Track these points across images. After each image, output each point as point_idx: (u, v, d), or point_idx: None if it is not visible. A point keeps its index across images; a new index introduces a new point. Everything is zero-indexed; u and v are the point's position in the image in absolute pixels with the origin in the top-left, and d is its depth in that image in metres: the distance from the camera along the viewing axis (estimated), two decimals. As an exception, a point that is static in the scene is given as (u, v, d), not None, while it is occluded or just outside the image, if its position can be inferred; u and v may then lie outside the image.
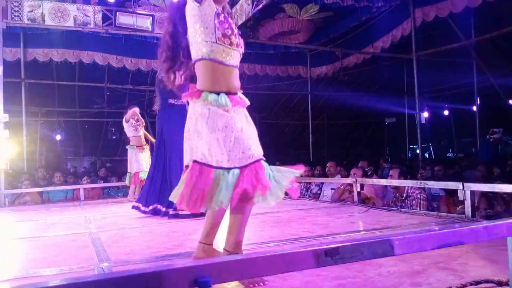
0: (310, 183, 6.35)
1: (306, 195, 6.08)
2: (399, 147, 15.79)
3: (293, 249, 1.22)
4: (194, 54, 2.04)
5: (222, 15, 2.07)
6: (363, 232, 3.12)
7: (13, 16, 7.66)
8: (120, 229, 3.80)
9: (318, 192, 6.04)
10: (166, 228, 3.62)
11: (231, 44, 2.05)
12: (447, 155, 16.05)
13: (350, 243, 1.25)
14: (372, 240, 1.27)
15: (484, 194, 4.01)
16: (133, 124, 6.55)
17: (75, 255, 2.70)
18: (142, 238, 3.31)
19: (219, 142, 1.92)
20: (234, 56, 2.07)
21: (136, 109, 6.58)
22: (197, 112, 1.99)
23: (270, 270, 1.22)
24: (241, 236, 2.01)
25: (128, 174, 6.59)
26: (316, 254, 1.22)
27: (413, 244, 1.31)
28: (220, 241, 2.17)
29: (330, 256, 1.22)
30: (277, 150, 16.11)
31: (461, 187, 3.34)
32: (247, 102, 2.14)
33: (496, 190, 3.50)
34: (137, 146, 6.54)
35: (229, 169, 1.90)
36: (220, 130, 1.94)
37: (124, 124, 6.61)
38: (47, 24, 7.96)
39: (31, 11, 7.83)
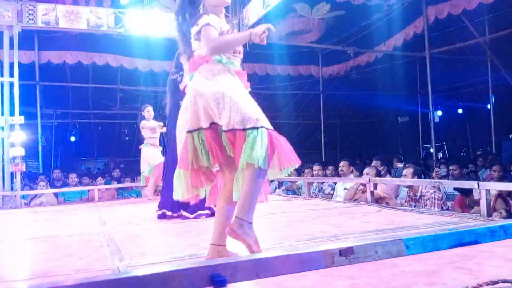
0: (322, 183, 6.33)
1: (318, 195, 6.06)
2: (413, 146, 15.64)
3: (307, 249, 1.22)
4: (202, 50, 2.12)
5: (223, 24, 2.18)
6: (377, 232, 3.10)
7: (27, 20, 7.78)
8: (134, 229, 3.83)
9: (331, 192, 6.02)
10: (180, 228, 3.64)
11: (234, 52, 2.19)
12: (461, 154, 15.84)
13: (364, 243, 1.24)
14: (386, 240, 1.27)
15: (500, 194, 3.95)
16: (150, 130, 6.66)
17: (90, 255, 2.72)
18: (156, 238, 3.33)
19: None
20: (236, 63, 2.22)
21: (144, 123, 6.65)
22: (217, 74, 2.09)
23: (285, 269, 1.22)
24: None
25: (142, 174, 6.63)
26: (331, 254, 1.22)
27: (428, 244, 1.30)
28: (233, 243, 2.17)
29: (345, 256, 1.22)
30: (289, 150, 16.06)
31: (477, 186, 3.30)
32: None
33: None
34: (151, 144, 6.62)
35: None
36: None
37: (141, 128, 6.70)
38: (61, 26, 8.07)
39: (45, 14, 7.95)
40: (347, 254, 1.21)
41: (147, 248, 2.88)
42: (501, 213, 3.69)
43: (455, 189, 4.53)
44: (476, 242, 1.39)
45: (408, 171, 4.75)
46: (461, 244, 1.37)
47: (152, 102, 12.75)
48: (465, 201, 4.49)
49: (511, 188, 3.48)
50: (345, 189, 5.35)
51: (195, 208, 3.88)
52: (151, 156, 6.56)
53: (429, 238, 1.31)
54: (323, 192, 6.13)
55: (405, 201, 4.71)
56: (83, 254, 2.78)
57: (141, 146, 6.75)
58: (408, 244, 1.28)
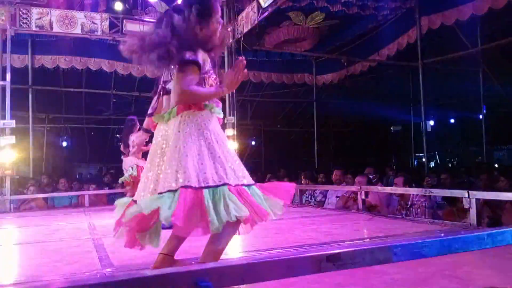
0: (314, 190, 6.33)
1: (310, 202, 6.05)
2: (405, 156, 15.71)
3: (294, 255, 1.21)
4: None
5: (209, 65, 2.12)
6: (367, 239, 3.10)
7: (21, 23, 7.76)
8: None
9: (323, 199, 6.01)
10: (169, 235, 3.61)
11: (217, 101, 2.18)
12: (453, 163, 15.95)
13: (351, 249, 1.24)
14: (373, 246, 1.26)
15: (486, 202, 3.97)
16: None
17: (78, 261, 2.70)
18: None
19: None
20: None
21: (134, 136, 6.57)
22: (209, 123, 2.03)
23: (272, 275, 1.21)
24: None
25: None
26: (318, 259, 1.20)
27: (415, 251, 1.29)
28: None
29: (332, 262, 1.21)
30: (282, 158, 16.07)
31: (467, 195, 3.31)
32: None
33: (501, 198, 3.47)
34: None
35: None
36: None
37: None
38: (55, 31, 8.06)
39: (39, 18, 7.93)
40: (334, 261, 1.20)
41: (136, 253, 2.85)
42: (484, 219, 3.71)
43: (443, 198, 4.53)
44: (463, 250, 1.39)
45: (399, 180, 4.76)
46: (448, 252, 1.36)
47: (146, 108, 12.75)
48: (454, 211, 4.49)
49: (501, 197, 3.49)
50: (337, 197, 5.35)
51: None
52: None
53: (417, 245, 1.30)
54: (314, 200, 6.12)
55: (396, 210, 4.72)
56: (71, 260, 2.76)
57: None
58: (395, 251, 1.27)
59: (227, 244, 1.97)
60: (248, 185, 1.99)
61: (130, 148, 6.20)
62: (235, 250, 2.91)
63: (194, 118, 2.01)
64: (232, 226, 1.91)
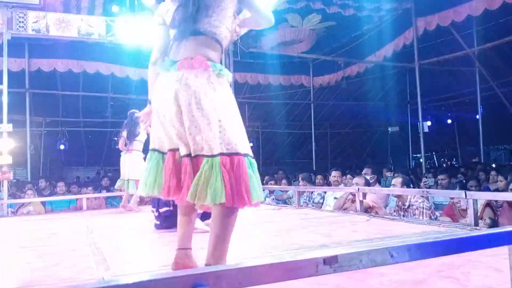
0: (312, 192, 6.33)
1: (308, 204, 6.06)
2: (403, 156, 15.75)
3: (291, 258, 1.21)
4: (209, 28, 1.96)
5: None
6: (366, 241, 3.10)
7: (18, 27, 7.74)
8: (121, 238, 3.79)
9: (321, 201, 6.02)
10: (167, 238, 3.61)
11: (232, 40, 2.19)
12: (450, 163, 16.00)
13: (348, 252, 1.24)
14: (371, 248, 1.27)
15: (488, 203, 3.98)
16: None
17: (75, 265, 2.69)
18: (143, 248, 3.30)
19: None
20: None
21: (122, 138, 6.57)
22: (215, 84, 1.88)
23: (269, 278, 1.21)
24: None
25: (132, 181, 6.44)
26: (315, 262, 1.21)
27: (413, 253, 1.30)
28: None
29: (329, 265, 1.21)
30: (280, 159, 16.09)
31: (464, 196, 3.32)
32: None
33: (499, 198, 3.48)
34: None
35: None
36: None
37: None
38: (51, 34, 8.04)
39: (35, 22, 7.92)
40: (331, 263, 1.20)
41: (134, 257, 2.85)
42: (485, 220, 3.72)
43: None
44: (460, 251, 1.39)
45: (397, 180, 4.77)
46: (446, 253, 1.36)
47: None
48: (455, 209, 4.50)
49: (498, 198, 3.50)
50: (335, 198, 5.35)
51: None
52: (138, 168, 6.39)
53: (414, 247, 1.30)
54: (312, 201, 6.12)
55: (394, 211, 4.72)
56: (69, 264, 2.75)
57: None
58: (392, 253, 1.27)
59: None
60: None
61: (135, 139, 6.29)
62: (232, 253, 2.91)
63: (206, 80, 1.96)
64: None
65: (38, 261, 2.93)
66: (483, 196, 3.49)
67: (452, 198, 4.37)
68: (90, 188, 8.23)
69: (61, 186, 7.84)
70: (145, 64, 9.54)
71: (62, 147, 13.73)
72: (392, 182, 4.85)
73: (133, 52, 9.67)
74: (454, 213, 4.47)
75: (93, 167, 15.77)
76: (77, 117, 13.40)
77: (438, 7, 9.04)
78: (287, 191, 7.32)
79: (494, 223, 3.71)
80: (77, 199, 7.38)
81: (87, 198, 7.21)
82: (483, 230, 1.48)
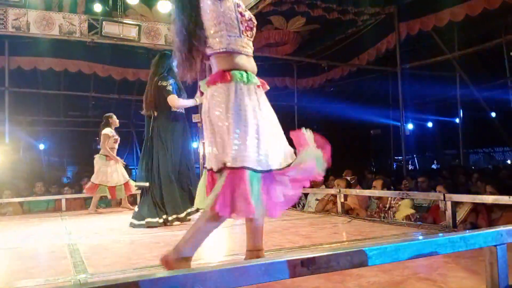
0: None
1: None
2: (385, 158, 15.91)
3: (269, 259, 1.21)
4: (216, 46, 1.98)
5: (240, 5, 2.04)
6: (346, 242, 3.12)
7: (-3, 24, 7.60)
8: (100, 240, 3.74)
9: (303, 202, 6.04)
10: (147, 239, 3.58)
11: (252, 36, 2.09)
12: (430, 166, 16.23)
13: (326, 253, 1.24)
14: (348, 250, 1.27)
15: (474, 208, 4.03)
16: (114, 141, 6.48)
17: (52, 267, 2.64)
18: (122, 249, 3.26)
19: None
20: (251, 45, 2.10)
21: (111, 131, 6.46)
22: (231, 95, 1.91)
23: (246, 280, 1.20)
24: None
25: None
26: (292, 264, 1.21)
27: (389, 254, 1.31)
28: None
29: (306, 266, 1.21)
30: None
31: (443, 198, 3.37)
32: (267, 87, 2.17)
33: (477, 201, 3.54)
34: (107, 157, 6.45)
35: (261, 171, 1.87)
36: (257, 117, 1.96)
37: (108, 137, 6.44)
38: (32, 32, 7.91)
39: (16, 19, 7.78)
40: (308, 265, 1.20)
41: (112, 259, 2.81)
42: (466, 225, 3.78)
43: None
44: (436, 253, 1.41)
45: (378, 182, 4.81)
46: (422, 255, 1.38)
47: (125, 110, 12.61)
48: (439, 211, 4.55)
49: (477, 200, 3.56)
50: (317, 199, 5.38)
51: None
52: (110, 174, 6.33)
53: (391, 248, 1.31)
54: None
55: (375, 212, 4.77)
56: (46, 266, 2.70)
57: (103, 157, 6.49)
58: (369, 254, 1.28)
59: None
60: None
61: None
62: (212, 255, 2.90)
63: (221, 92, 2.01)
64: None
65: (15, 263, 2.87)
66: (460, 199, 3.55)
67: (434, 201, 4.43)
68: (68, 188, 8.08)
69: (39, 186, 7.69)
70: (128, 64, 9.44)
71: (42, 146, 13.50)
72: (373, 184, 4.90)
73: (116, 52, 9.56)
74: (438, 214, 4.53)
75: (73, 167, 15.54)
76: (58, 116, 13.19)
77: (421, 12, 9.17)
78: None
79: (474, 227, 3.77)
80: (56, 200, 7.23)
81: (67, 199, 7.09)
82: (460, 232, 1.50)
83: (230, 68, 1.97)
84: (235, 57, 1.99)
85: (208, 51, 2.01)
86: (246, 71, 1.99)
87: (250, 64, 2.06)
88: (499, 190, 5.24)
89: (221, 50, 1.98)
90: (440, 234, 1.49)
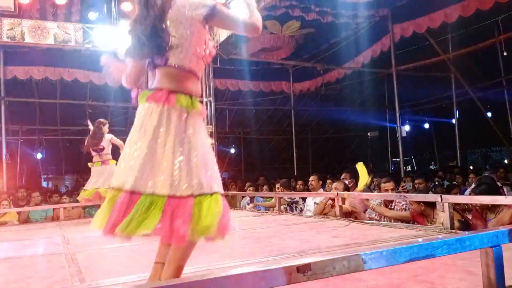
0: (294, 198, 6.34)
1: (289, 210, 6.07)
2: (382, 160, 15.93)
3: (264, 267, 1.21)
4: (174, 60, 1.87)
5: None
6: (344, 246, 3.12)
7: (-8, 34, 7.60)
8: (98, 249, 3.72)
9: (302, 206, 6.03)
10: (145, 248, 3.56)
11: (207, 63, 2.05)
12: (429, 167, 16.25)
13: (322, 259, 1.24)
14: (344, 255, 1.27)
15: (454, 207, 4.03)
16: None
17: (50, 277, 2.63)
18: (120, 258, 3.25)
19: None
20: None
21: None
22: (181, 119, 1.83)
23: (244, 287, 1.20)
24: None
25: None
26: (288, 270, 1.21)
27: (386, 258, 1.31)
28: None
29: (302, 273, 1.21)
30: (262, 165, 16.09)
31: (440, 200, 3.37)
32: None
33: (474, 202, 3.55)
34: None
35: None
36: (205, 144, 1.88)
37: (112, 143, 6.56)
38: (26, 41, 7.91)
39: (10, 29, 7.78)
40: (304, 271, 1.20)
41: (110, 268, 2.80)
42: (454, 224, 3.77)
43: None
44: (432, 255, 1.41)
45: (390, 185, 4.83)
46: (418, 258, 1.38)
47: (122, 118, 12.60)
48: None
49: (473, 201, 3.57)
50: (315, 203, 5.37)
51: None
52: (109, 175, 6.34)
53: (387, 253, 1.31)
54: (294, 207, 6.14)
55: (375, 215, 4.77)
56: (43, 276, 2.69)
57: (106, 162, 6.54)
58: (365, 259, 1.28)
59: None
60: None
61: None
62: (211, 260, 2.89)
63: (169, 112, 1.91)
64: None
65: (12, 273, 2.86)
66: (457, 200, 3.55)
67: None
68: (67, 197, 8.05)
69: (36, 196, 7.65)
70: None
71: (39, 156, 13.46)
72: (385, 188, 4.89)
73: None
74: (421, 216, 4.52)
75: (71, 176, 15.49)
76: (55, 125, 13.16)
77: (414, 14, 9.22)
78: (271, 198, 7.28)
79: (464, 225, 3.77)
80: (54, 209, 7.21)
81: (65, 208, 7.06)
82: (455, 235, 1.50)
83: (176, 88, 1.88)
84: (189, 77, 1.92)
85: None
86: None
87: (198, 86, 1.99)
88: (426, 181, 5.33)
89: (177, 65, 1.88)
90: (437, 237, 1.49)
